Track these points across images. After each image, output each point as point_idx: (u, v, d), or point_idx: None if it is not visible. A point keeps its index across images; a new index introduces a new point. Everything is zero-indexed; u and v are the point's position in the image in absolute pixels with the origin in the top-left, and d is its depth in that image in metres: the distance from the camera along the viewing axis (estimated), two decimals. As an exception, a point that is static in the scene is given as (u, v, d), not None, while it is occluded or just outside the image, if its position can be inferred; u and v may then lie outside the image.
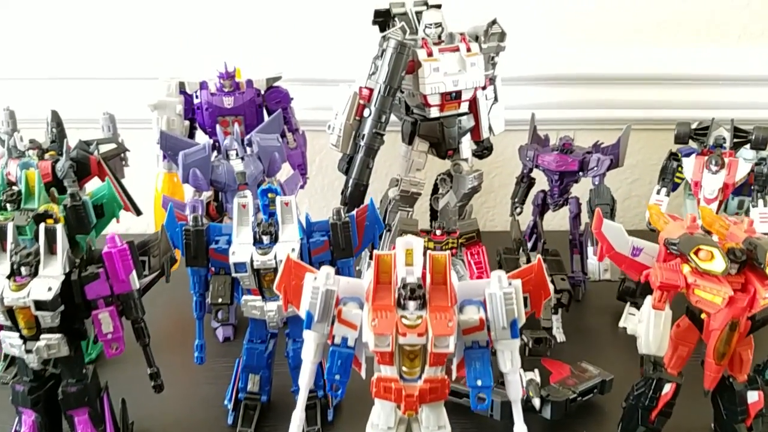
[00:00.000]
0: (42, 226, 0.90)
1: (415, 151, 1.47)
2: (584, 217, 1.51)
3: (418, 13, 1.46)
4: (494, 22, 1.41)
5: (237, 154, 1.28)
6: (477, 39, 1.43)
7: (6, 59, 1.85)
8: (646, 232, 1.54)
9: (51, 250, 0.90)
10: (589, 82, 1.78)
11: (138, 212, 1.51)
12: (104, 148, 1.49)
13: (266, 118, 1.54)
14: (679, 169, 1.38)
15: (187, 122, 1.51)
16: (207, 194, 1.32)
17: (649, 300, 0.92)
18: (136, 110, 1.75)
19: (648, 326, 0.90)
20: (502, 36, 1.43)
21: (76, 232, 1.17)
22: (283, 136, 1.56)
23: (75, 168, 1.42)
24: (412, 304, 0.76)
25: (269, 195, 1.03)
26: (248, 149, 1.32)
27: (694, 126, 1.55)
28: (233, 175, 1.26)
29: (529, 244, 1.59)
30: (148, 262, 0.97)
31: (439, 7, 1.49)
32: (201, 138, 1.56)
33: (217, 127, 1.33)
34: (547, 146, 1.51)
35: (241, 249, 0.99)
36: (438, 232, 1.31)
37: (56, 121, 1.52)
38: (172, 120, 1.45)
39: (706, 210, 1.04)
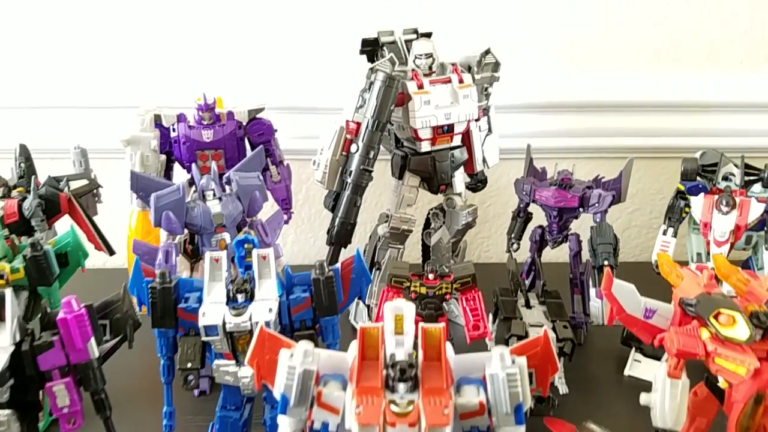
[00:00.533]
0: (-13, 291, 0.80)
1: (406, 186, 1.39)
2: (585, 254, 1.43)
3: (408, 42, 1.38)
4: (488, 51, 1.33)
5: (214, 195, 1.19)
6: (470, 69, 1.35)
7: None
8: (647, 269, 1.49)
9: (-1, 316, 0.81)
10: (587, 110, 1.71)
11: (111, 252, 1.43)
12: (75, 184, 1.41)
13: (248, 150, 1.46)
14: (686, 208, 1.29)
15: (163, 156, 1.42)
16: (181, 237, 1.22)
17: (664, 367, 0.84)
18: (110, 140, 1.67)
19: (663, 397, 0.81)
20: (496, 66, 1.36)
21: (38, 284, 1.07)
22: (266, 169, 1.48)
23: (44, 206, 1.33)
24: (402, 387, 0.67)
25: (245, 246, 0.94)
26: (227, 188, 1.23)
27: (698, 155, 1.49)
28: (210, 217, 1.17)
29: (527, 282, 1.50)
30: (110, 326, 0.88)
31: (429, 35, 1.42)
32: (179, 173, 1.48)
33: (193, 165, 1.24)
34: (544, 180, 1.43)
35: (213, 309, 0.90)
36: (430, 275, 1.23)
37: (24, 155, 1.43)
38: (146, 156, 1.35)
39: (720, 259, 0.96)
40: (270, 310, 0.88)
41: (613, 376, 1.33)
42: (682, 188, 1.50)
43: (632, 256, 1.90)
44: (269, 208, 1.46)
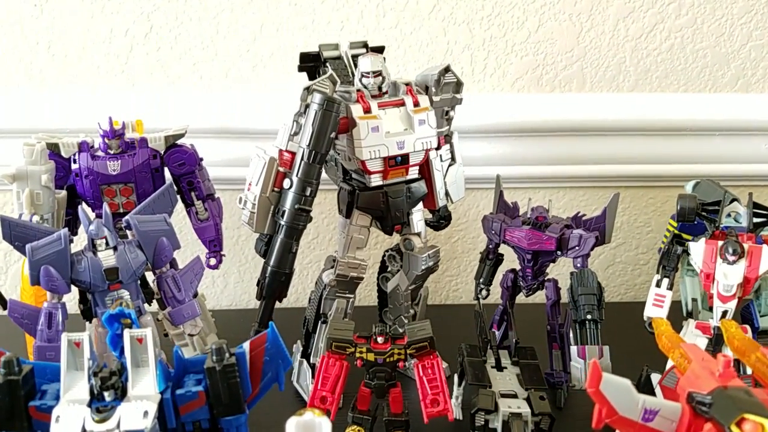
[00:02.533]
0: None
1: (354, 226, 1.17)
2: (564, 299, 1.22)
3: (356, 58, 1.18)
4: (447, 69, 1.13)
5: (107, 243, 0.96)
6: (427, 90, 1.15)
7: None
8: (632, 310, 1.28)
9: None
10: (564, 134, 1.52)
11: (4, 305, 1.18)
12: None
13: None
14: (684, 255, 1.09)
15: (63, 193, 1.19)
16: (70, 295, 0.99)
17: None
18: None
19: None
20: (458, 86, 1.16)
21: None
22: (191, 205, 1.26)
23: None
24: None
25: (122, 321, 0.71)
26: (129, 233, 1.00)
27: (690, 185, 1.31)
28: (101, 272, 0.94)
29: (498, 334, 1.29)
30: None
31: (381, 50, 1.22)
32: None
33: (80, 207, 1.00)
34: (516, 217, 1.23)
35: (69, 412, 0.66)
36: (380, 339, 1.01)
37: None
38: (36, 194, 1.12)
39: (732, 328, 0.76)
40: (145, 414, 0.65)
41: (600, 450, 1.11)
42: (675, 224, 1.32)
43: (617, 295, 1.71)
44: (196, 251, 1.24)
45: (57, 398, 0.69)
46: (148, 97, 1.48)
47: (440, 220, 1.28)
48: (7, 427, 0.69)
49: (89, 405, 0.67)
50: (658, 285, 1.10)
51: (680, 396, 0.66)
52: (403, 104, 1.11)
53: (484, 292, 1.28)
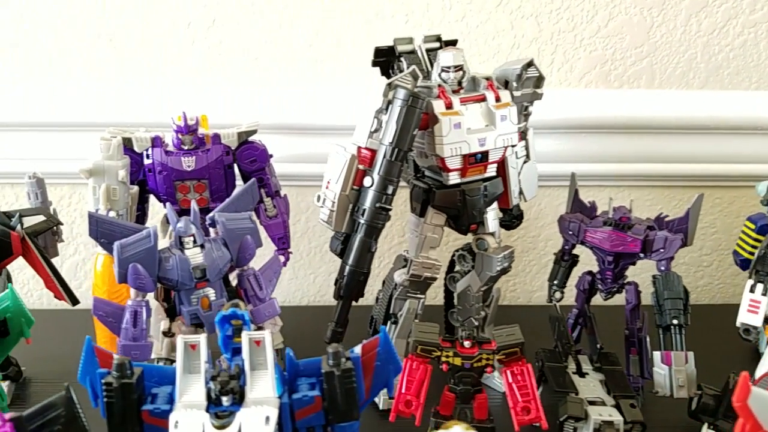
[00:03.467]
0: None
1: (429, 225, 1.15)
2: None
3: (430, 52, 1.15)
4: (531, 63, 1.10)
5: (194, 241, 0.94)
6: (506, 85, 1.12)
7: None
8: (696, 312, 1.25)
9: None
10: (630, 131, 1.48)
11: (74, 301, 1.18)
12: (30, 221, 1.17)
13: (238, 179, 1.22)
14: None
15: (135, 188, 1.18)
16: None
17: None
18: (72, 163, 1.43)
19: None
20: (539, 81, 1.12)
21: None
22: (260, 202, 1.24)
23: (-9, 248, 1.09)
24: None
25: (233, 323, 0.69)
26: (212, 231, 0.98)
27: (764, 186, 1.27)
28: (189, 270, 0.93)
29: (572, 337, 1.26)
30: (47, 440, 0.63)
31: (454, 44, 1.19)
32: (158, 208, 1.24)
33: (168, 205, 0.99)
34: (595, 217, 1.19)
35: (188, 417, 0.65)
36: (466, 343, 0.99)
37: (-34, 185, 1.18)
38: (113, 189, 1.11)
39: None
40: (267, 419, 0.64)
41: (682, 458, 1.09)
42: (752, 226, 1.28)
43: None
44: (262, 248, 1.23)
45: (168, 402, 0.68)
46: (209, 91, 1.46)
47: (513, 219, 1.25)
48: (120, 431, 0.68)
49: (207, 410, 0.65)
50: (752, 290, 1.07)
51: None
52: (483, 99, 1.08)
53: (557, 295, 1.25)
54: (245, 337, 0.67)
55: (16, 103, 1.44)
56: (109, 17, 1.44)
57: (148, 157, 1.17)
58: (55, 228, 1.22)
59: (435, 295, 1.38)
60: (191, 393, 0.66)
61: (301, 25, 1.45)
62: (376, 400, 1.16)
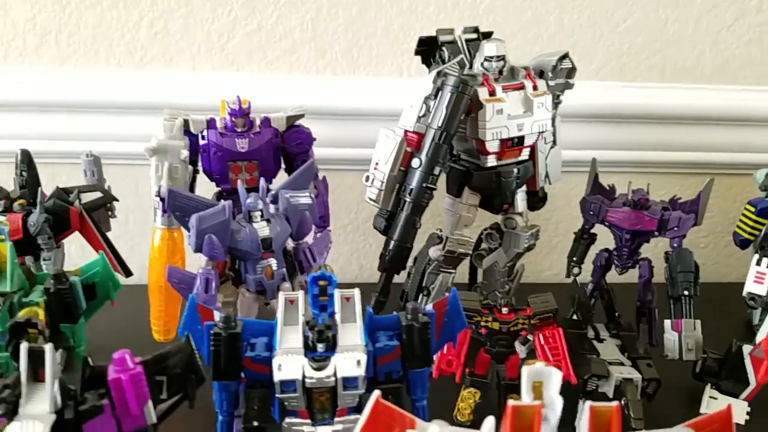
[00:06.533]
0: (24, 347, 0.64)
1: (464, 204, 1.25)
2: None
3: (469, 42, 1.24)
4: (565, 56, 1.20)
5: (262, 215, 1.03)
6: (541, 75, 1.22)
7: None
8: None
9: (36, 377, 0.65)
10: (634, 121, 1.59)
11: (127, 273, 1.26)
12: (87, 197, 1.25)
13: (282, 162, 1.30)
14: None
15: (191, 168, 1.25)
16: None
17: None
18: (122, 144, 1.50)
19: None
20: (571, 72, 1.23)
21: (61, 321, 0.91)
22: (303, 183, 1.33)
23: (51, 222, 1.16)
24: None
25: (320, 283, 0.79)
26: (272, 207, 1.07)
27: (762, 173, 1.40)
28: (257, 242, 1.02)
29: (589, 309, 1.37)
30: (166, 384, 0.72)
31: (490, 35, 1.28)
32: (201, 187, 1.31)
33: (239, 182, 1.08)
34: (614, 198, 1.31)
35: (290, 361, 0.74)
36: (504, 310, 1.09)
37: (26, 161, 1.25)
38: (175, 168, 1.19)
39: None
40: (358, 363, 0.74)
41: (688, 414, 1.20)
42: (752, 209, 1.41)
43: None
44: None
45: (267, 350, 0.77)
46: (247, 77, 1.54)
47: (538, 201, 1.36)
48: (224, 376, 0.78)
49: (305, 355, 0.75)
50: (758, 263, 1.19)
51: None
52: (522, 88, 1.17)
53: (576, 270, 1.37)
54: (337, 293, 0.77)
55: (71, 84, 1.50)
56: (151, 1, 1.50)
57: (203, 138, 1.25)
58: (108, 204, 1.30)
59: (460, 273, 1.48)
60: (290, 341, 0.76)
61: (338, 13, 1.52)
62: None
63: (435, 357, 1.20)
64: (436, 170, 1.14)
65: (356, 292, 0.77)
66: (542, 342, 1.08)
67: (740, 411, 1.15)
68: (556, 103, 1.26)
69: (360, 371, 0.73)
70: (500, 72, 1.18)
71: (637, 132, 1.61)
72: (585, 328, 1.22)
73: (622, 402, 1.06)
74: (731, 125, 1.63)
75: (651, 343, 1.30)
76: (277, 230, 1.03)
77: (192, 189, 1.33)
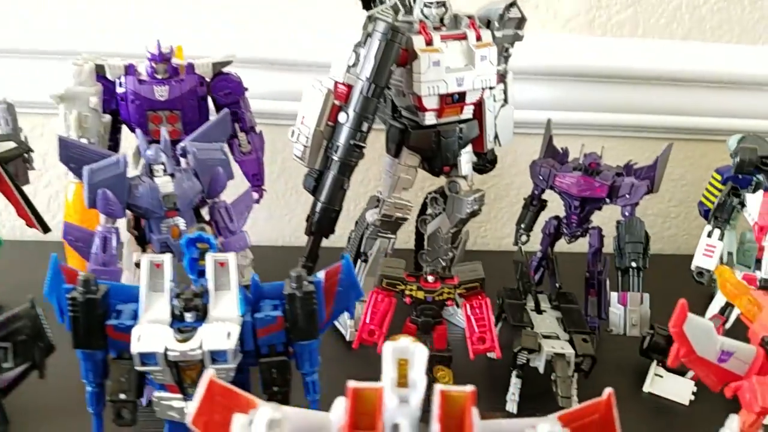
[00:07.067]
0: None
1: (403, 165, 1.16)
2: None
3: (412, -14, 1.13)
4: (513, 4, 1.09)
5: (165, 170, 0.95)
6: (488, 24, 1.11)
7: None
8: (661, 262, 1.29)
9: None
10: (620, 81, 1.48)
11: (45, 229, 1.19)
12: (1, 147, 1.15)
13: (213, 112, 1.21)
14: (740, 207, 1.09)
15: (108, 117, 1.16)
16: (124, 221, 0.98)
17: (734, 424, 0.64)
18: (44, 92, 1.40)
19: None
20: (521, 23, 1.12)
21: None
22: (233, 137, 1.23)
23: (-40, 175, 1.08)
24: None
25: (199, 246, 0.71)
26: (183, 161, 0.99)
27: (733, 140, 1.29)
28: (159, 198, 0.93)
29: (534, 280, 1.30)
30: (13, 350, 0.65)
31: (438, -21, 1.17)
32: (127, 138, 1.22)
33: (138, 131, 0.98)
34: (566, 163, 1.21)
35: (151, 331, 0.67)
36: (430, 278, 1.02)
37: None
38: (84, 116, 1.09)
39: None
40: (228, 335, 0.66)
41: (631, 392, 1.15)
42: (719, 177, 1.31)
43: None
44: (236, 184, 1.23)
45: (133, 318, 0.70)
46: (187, 22, 1.42)
47: (486, 164, 1.26)
48: (84, 344, 0.71)
49: (171, 326, 0.68)
50: (709, 235, 1.11)
51: (752, 340, 0.67)
52: (464, 38, 1.07)
53: (524, 238, 1.29)
54: (209, 258, 0.69)
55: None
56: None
57: (120, 85, 1.15)
58: (26, 155, 1.21)
59: (407, 240, 1.41)
60: (155, 309, 0.69)
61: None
62: (342, 330, 1.19)
63: (349, 325, 1.14)
64: (364, 126, 1.05)
65: (231, 257, 0.69)
66: (469, 312, 1.01)
67: (686, 390, 1.09)
68: (505, 57, 1.16)
69: (230, 344, 0.66)
70: (441, 20, 1.07)
71: (604, 92, 1.50)
72: (524, 299, 1.15)
73: (552, 377, 1.01)
74: (707, 87, 1.52)
75: (600, 317, 1.23)
76: (182, 187, 0.95)
77: (117, 141, 1.25)
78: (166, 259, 0.69)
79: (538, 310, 1.14)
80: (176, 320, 0.68)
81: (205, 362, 0.66)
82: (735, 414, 0.65)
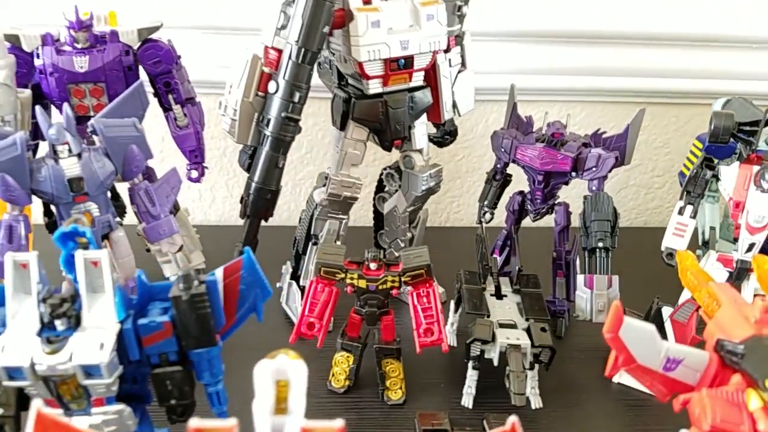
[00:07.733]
0: None
1: (349, 139, 1.05)
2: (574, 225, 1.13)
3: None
4: (463, -46, 0.97)
5: (70, 151, 0.85)
6: (437, -20, 0.99)
7: None
8: (644, 236, 1.18)
9: None
10: (587, 41, 1.36)
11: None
12: None
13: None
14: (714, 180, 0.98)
15: (27, 92, 1.06)
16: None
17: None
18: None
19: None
20: (473, -23, 0.99)
21: None
22: (169, 110, 1.13)
23: None
24: None
25: (78, 240, 0.62)
26: (97, 139, 0.89)
27: (718, 103, 1.17)
28: (63, 182, 0.84)
29: (500, 260, 1.21)
30: None
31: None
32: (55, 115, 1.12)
33: (38, 108, 0.88)
34: (530, 133, 1.11)
35: (17, 342, 0.59)
36: (373, 265, 0.93)
37: None
38: (-7, 93, 0.99)
39: (765, 264, 0.67)
40: (102, 346, 0.58)
41: (599, 382, 1.06)
42: (700, 145, 1.20)
43: (627, 220, 1.62)
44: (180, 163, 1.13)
45: (2, 325, 0.62)
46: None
47: (445, 135, 1.16)
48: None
49: (39, 334, 0.60)
50: (680, 212, 1.00)
51: (707, 344, 0.58)
52: (409, -5, 0.95)
53: (487, 216, 1.19)
54: (80, 256, 0.60)
55: None
56: None
57: (38, 57, 1.05)
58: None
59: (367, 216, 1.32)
60: (21, 317, 0.60)
61: None
62: (295, 320, 1.11)
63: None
64: (296, 97, 0.94)
65: (103, 255, 0.60)
66: (415, 302, 0.92)
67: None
68: (459, 16, 1.04)
69: (102, 357, 0.58)
70: (384, -25, 0.95)
71: (575, 53, 1.38)
72: (484, 282, 1.06)
73: (506, 371, 0.93)
74: (691, 46, 1.39)
75: (569, 299, 1.14)
76: (90, 168, 0.85)
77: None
78: (32, 258, 0.60)
79: (499, 295, 1.05)
80: (47, 328, 0.60)
81: (78, 377, 0.58)
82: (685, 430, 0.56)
